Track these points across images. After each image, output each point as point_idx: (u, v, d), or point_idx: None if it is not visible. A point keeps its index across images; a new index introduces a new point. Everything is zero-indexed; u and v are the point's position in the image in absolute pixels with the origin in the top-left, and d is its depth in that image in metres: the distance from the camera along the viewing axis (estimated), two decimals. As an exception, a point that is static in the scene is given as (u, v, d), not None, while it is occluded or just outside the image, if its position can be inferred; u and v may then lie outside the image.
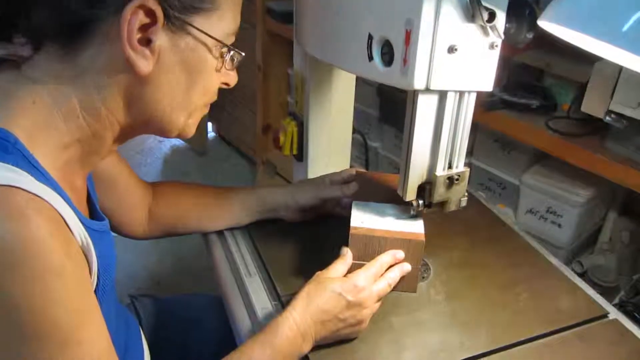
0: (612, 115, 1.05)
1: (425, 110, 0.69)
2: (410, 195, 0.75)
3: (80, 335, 0.49)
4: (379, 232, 0.75)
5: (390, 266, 0.74)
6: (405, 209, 0.79)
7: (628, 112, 1.00)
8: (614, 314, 0.79)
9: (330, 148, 1.10)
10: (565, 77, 1.39)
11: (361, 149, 1.98)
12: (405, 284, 0.77)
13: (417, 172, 0.73)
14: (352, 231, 0.74)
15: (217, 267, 0.86)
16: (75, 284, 0.49)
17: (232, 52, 0.60)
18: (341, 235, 0.87)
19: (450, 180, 0.73)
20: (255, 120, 2.29)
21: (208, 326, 0.93)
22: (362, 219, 0.77)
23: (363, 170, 0.95)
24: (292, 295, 0.76)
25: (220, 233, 0.91)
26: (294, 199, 0.87)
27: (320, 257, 0.83)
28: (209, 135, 2.73)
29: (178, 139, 2.74)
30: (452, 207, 0.76)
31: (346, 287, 0.68)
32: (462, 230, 0.94)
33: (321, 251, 0.85)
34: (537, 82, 1.47)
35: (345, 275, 0.71)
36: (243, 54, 0.62)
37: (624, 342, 0.74)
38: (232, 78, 0.65)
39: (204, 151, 2.67)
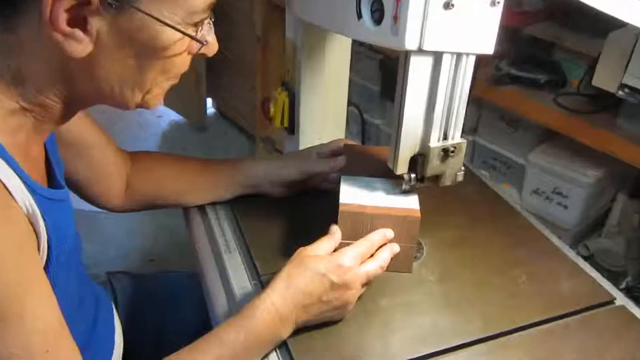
0: (626, 90, 0.98)
1: (418, 73, 0.63)
2: (402, 168, 0.69)
3: (21, 308, 0.46)
4: (370, 208, 0.69)
5: (381, 246, 0.69)
6: (397, 184, 0.73)
7: (642, 85, 0.94)
8: (620, 299, 0.74)
9: (323, 120, 1.04)
10: (576, 51, 1.32)
11: (360, 125, 1.92)
12: (399, 264, 0.71)
13: (409, 142, 0.67)
14: (341, 208, 0.68)
15: (195, 242, 0.81)
16: (14, 253, 0.45)
17: (202, 27, 0.54)
18: (329, 212, 0.81)
19: (445, 152, 0.67)
20: (254, 96, 2.23)
21: (186, 305, 0.89)
22: (351, 195, 0.71)
23: (352, 142, 0.88)
24: (273, 275, 0.71)
25: (201, 208, 0.86)
26: (278, 173, 0.82)
27: (305, 235, 0.77)
28: (208, 111, 2.67)
29: (177, 114, 2.68)
30: (447, 181, 0.71)
31: (330, 267, 0.62)
32: (459, 207, 0.88)
33: (307, 229, 0.80)
34: (547, 56, 1.40)
35: (331, 254, 0.66)
36: (207, 29, 0.56)
37: (629, 330, 0.69)
38: (209, 49, 0.58)
39: (203, 127, 2.61)
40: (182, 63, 0.57)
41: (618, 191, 1.54)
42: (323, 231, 0.70)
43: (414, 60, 0.61)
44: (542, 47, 1.38)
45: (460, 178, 0.71)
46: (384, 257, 0.67)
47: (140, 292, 0.89)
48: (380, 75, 1.82)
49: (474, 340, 0.65)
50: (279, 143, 2.00)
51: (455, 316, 0.68)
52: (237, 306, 0.69)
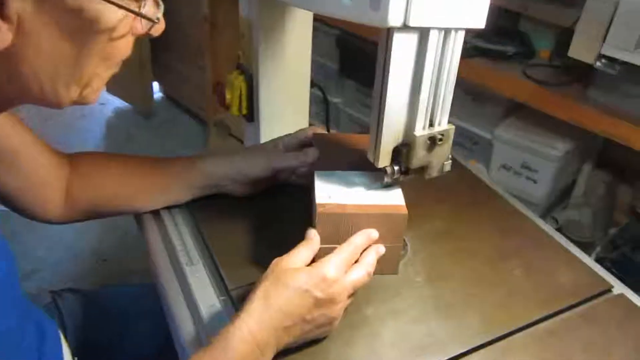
0: (603, 61, 0.93)
1: (402, 53, 0.54)
2: (384, 160, 0.61)
3: None
4: (351, 207, 0.61)
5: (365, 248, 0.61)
6: (378, 177, 0.65)
7: (623, 56, 0.88)
8: (617, 286, 0.69)
9: (285, 105, 0.95)
10: (544, 21, 1.27)
11: (320, 106, 1.83)
12: (385, 266, 0.64)
13: (391, 132, 0.59)
14: (319, 209, 0.60)
15: (152, 254, 0.71)
16: None
17: (145, 2, 0.45)
18: (301, 210, 0.74)
19: (432, 141, 0.60)
20: (204, 78, 2.10)
21: (145, 321, 0.79)
22: (328, 193, 0.63)
23: (322, 130, 0.80)
24: (244, 289, 0.62)
25: (156, 213, 0.76)
26: (242, 170, 0.73)
27: (277, 239, 0.69)
28: (155, 95, 2.52)
29: (122, 101, 2.52)
30: (434, 172, 0.63)
31: (313, 280, 0.54)
32: (441, 196, 0.81)
33: (278, 231, 0.72)
34: (514, 27, 1.34)
35: (310, 264, 0.57)
36: (151, 4, 0.46)
37: (631, 319, 0.64)
38: (157, 28, 0.49)
39: (151, 113, 2.46)
40: (126, 47, 0.49)
41: (583, 162, 1.53)
42: (297, 233, 0.62)
43: (397, 38, 0.53)
44: (509, 17, 1.33)
45: (447, 168, 0.64)
46: (370, 261, 0.59)
47: (91, 311, 0.79)
48: (338, 52, 1.73)
49: (475, 347, 0.59)
50: (234, 128, 1.89)
51: (452, 321, 0.62)
52: (205, 329, 0.60)
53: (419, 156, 0.60)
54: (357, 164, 0.68)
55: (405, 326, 0.61)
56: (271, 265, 0.56)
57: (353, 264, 0.59)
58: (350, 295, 0.58)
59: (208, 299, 0.64)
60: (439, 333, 0.60)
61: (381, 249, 0.62)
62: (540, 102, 1.22)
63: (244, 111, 0.97)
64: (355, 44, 1.64)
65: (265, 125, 0.95)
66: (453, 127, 0.61)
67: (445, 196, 0.81)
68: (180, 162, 0.74)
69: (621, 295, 0.67)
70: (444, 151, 0.62)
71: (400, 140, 0.61)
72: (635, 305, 0.66)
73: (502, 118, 1.46)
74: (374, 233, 0.61)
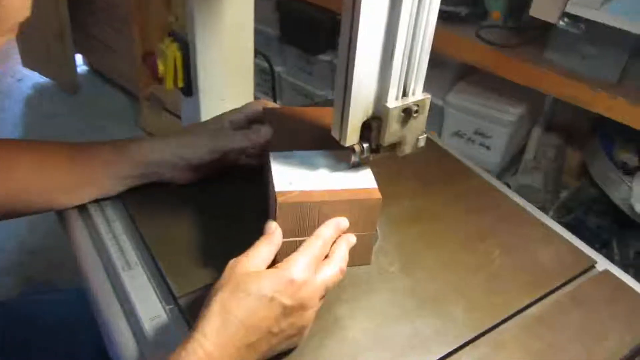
0: (566, 19, 0.87)
1: (372, 11, 0.45)
2: (352, 137, 0.53)
3: None
4: (317, 194, 0.52)
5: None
6: (343, 157, 0.57)
7: (588, 14, 0.83)
8: (601, 262, 0.65)
9: (227, 76, 0.84)
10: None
11: (261, 76, 1.72)
12: (357, 257, 0.56)
13: (360, 104, 0.51)
14: (279, 199, 0.51)
15: (79, 258, 0.60)
16: None
17: None
18: (255, 197, 0.64)
19: (407, 113, 0.52)
20: (133, 48, 1.92)
21: (79, 330, 0.68)
22: (288, 178, 0.53)
23: (272, 103, 0.70)
24: (195, 295, 0.53)
25: (82, 208, 0.64)
26: (183, 155, 0.62)
27: (229, 233, 0.60)
28: (78, 69, 2.31)
29: (41, 76, 2.29)
30: (408, 149, 0.55)
31: (279, 285, 0.45)
32: (406, 172, 0.74)
33: (230, 223, 0.62)
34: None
35: (273, 264, 0.49)
36: None
37: (619, 297, 0.60)
38: None
39: (75, 89, 2.25)
40: (21, 6, 0.37)
41: (533, 126, 1.50)
42: (252, 224, 0.53)
43: (368, -11, 0.44)
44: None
45: (422, 143, 0.56)
46: (342, 255, 0.51)
47: (15, 324, 0.68)
48: (278, 17, 1.61)
49: (464, 344, 0.52)
50: (169, 101, 1.75)
51: (434, 316, 0.55)
52: (150, 346, 0.51)
53: (392, 131, 0.52)
54: (318, 142, 0.59)
55: (384, 327, 0.53)
56: (226, 270, 0.47)
57: (323, 259, 0.50)
58: (322, 297, 0.50)
59: (151, 310, 0.54)
60: (421, 331, 0.53)
61: (352, 239, 0.54)
62: (495, 65, 1.16)
63: (180, 84, 0.85)
64: (297, 8, 1.52)
65: (205, 100, 0.85)
66: (429, 96, 0.53)
67: (410, 172, 0.74)
68: (107, 147, 0.62)
69: (606, 272, 0.63)
70: (419, 124, 0.54)
71: (370, 113, 0.52)
72: (622, 282, 0.62)
73: (454, 83, 1.40)
74: (343, 222, 0.53)
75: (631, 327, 0.56)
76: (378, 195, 0.53)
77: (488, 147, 1.39)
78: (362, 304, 0.55)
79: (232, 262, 0.48)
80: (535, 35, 1.11)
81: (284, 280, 0.46)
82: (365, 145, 0.53)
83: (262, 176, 0.67)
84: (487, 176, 0.77)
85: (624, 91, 1.02)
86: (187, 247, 0.59)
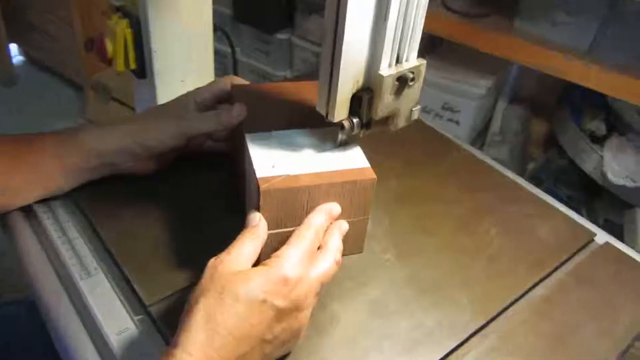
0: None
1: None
2: (341, 112, 0.46)
3: None
4: (305, 178, 0.46)
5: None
6: (328, 134, 0.50)
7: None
8: (600, 234, 0.61)
9: (184, 55, 0.76)
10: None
11: (217, 57, 1.62)
12: (349, 245, 0.51)
13: (350, 73, 0.44)
14: (262, 186, 0.44)
15: (28, 268, 0.52)
16: None
17: None
18: (227, 186, 0.58)
19: (402, 82, 0.46)
20: (73, 33, 1.79)
21: (32, 347, 0.60)
22: (270, 162, 0.47)
23: (241, 79, 0.63)
24: (169, 301, 0.46)
25: (27, 210, 0.56)
26: (143, 142, 0.54)
27: (202, 229, 0.53)
28: (14, 60, 2.14)
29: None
30: (402, 122, 0.50)
31: (271, 285, 0.39)
32: (389, 149, 0.68)
33: (202, 218, 0.55)
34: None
35: (260, 261, 0.42)
36: None
37: (624, 271, 0.56)
38: None
39: (12, 80, 2.09)
40: None
41: (498, 98, 1.48)
42: (226, 214, 0.47)
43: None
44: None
45: (416, 115, 0.50)
46: (337, 245, 0.45)
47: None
48: (231, -6, 1.52)
49: (473, 333, 0.48)
50: (117, 90, 1.63)
51: (437, 306, 0.50)
52: (121, 366, 0.43)
53: (386, 102, 0.46)
54: (298, 120, 0.52)
55: (385, 321, 0.48)
56: (207, 271, 0.40)
57: (316, 251, 0.44)
58: (317, 294, 0.44)
59: (118, 322, 0.46)
60: (425, 324, 0.48)
61: (345, 226, 0.48)
62: (463, 36, 1.12)
63: (132, 65, 0.77)
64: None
65: (161, 82, 0.77)
66: (424, 62, 0.48)
67: (391, 150, 0.69)
68: (53, 138, 0.54)
69: (607, 245, 0.59)
70: (414, 94, 0.48)
71: (360, 84, 0.46)
72: (624, 254, 0.58)
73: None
74: (336, 208, 0.47)
75: (641, 303, 0.53)
76: (372, 175, 0.48)
77: (457, 122, 1.36)
78: (359, 297, 0.50)
79: (212, 261, 0.41)
80: (504, 3, 1.07)
81: (275, 280, 0.39)
82: (355, 120, 0.47)
83: (232, 162, 0.60)
84: (472, 149, 0.72)
85: (597, 59, 0.99)
86: (154, 247, 0.52)
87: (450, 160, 0.69)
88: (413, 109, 0.49)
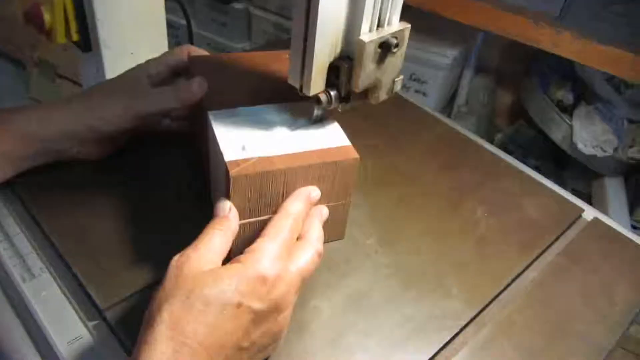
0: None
1: None
2: (317, 84, 0.41)
3: None
4: (279, 160, 0.40)
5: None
6: (301, 110, 0.45)
7: None
8: (588, 209, 0.58)
9: (133, 23, 0.68)
10: None
11: (169, 30, 1.52)
12: (330, 231, 0.46)
13: (327, 39, 0.39)
14: (232, 171, 0.38)
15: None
16: None
17: None
18: (189, 171, 0.52)
19: (385, 49, 0.41)
20: (10, 6, 1.65)
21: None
22: (239, 144, 0.41)
23: (199, 49, 0.56)
24: (126, 304, 0.41)
25: (-43, 203, 0.49)
26: (91, 124, 0.47)
27: (161, 220, 0.48)
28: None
29: None
30: (384, 94, 0.45)
31: (246, 285, 0.34)
32: (366, 125, 0.63)
33: (160, 208, 0.49)
34: None
35: (231, 256, 0.37)
36: None
37: (614, 248, 0.54)
38: None
39: (-55, 58, 1.93)
40: None
41: (463, 68, 1.45)
42: (189, 204, 0.42)
43: None
44: None
45: (398, 87, 0.45)
46: (317, 235, 0.40)
47: None
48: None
49: (465, 325, 0.44)
50: (62, 66, 1.52)
51: (427, 296, 0.45)
52: (74, 383, 0.38)
53: (367, 72, 0.41)
54: (266, 95, 0.47)
55: (372, 316, 0.43)
56: (170, 270, 0.35)
57: (296, 241, 0.39)
58: (297, 290, 0.39)
59: (69, 330, 0.40)
60: (416, 317, 0.44)
61: (325, 211, 0.43)
62: (431, 3, 1.07)
63: (75, 37, 0.69)
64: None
65: (109, 55, 0.69)
66: (408, 26, 0.42)
67: (367, 125, 0.64)
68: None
69: (596, 220, 0.57)
70: (396, 62, 0.43)
71: (338, 51, 0.40)
72: (613, 230, 0.56)
73: (383, 27, 1.30)
74: (314, 192, 0.42)
75: (639, 280, 0.51)
76: (355, 154, 0.43)
77: (424, 94, 1.32)
78: (342, 290, 0.45)
79: (176, 259, 0.35)
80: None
81: (251, 279, 0.34)
82: (333, 92, 0.42)
83: (194, 143, 0.54)
84: (453, 123, 0.68)
85: (567, 25, 0.96)
86: (107, 243, 0.45)
87: (428, 134, 0.64)
88: (395, 79, 0.44)
